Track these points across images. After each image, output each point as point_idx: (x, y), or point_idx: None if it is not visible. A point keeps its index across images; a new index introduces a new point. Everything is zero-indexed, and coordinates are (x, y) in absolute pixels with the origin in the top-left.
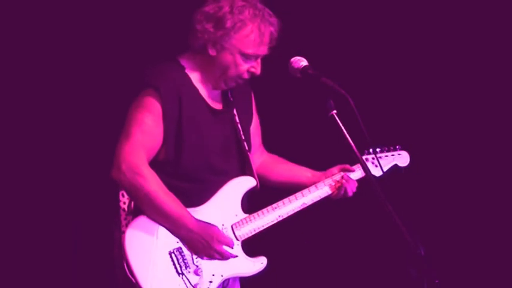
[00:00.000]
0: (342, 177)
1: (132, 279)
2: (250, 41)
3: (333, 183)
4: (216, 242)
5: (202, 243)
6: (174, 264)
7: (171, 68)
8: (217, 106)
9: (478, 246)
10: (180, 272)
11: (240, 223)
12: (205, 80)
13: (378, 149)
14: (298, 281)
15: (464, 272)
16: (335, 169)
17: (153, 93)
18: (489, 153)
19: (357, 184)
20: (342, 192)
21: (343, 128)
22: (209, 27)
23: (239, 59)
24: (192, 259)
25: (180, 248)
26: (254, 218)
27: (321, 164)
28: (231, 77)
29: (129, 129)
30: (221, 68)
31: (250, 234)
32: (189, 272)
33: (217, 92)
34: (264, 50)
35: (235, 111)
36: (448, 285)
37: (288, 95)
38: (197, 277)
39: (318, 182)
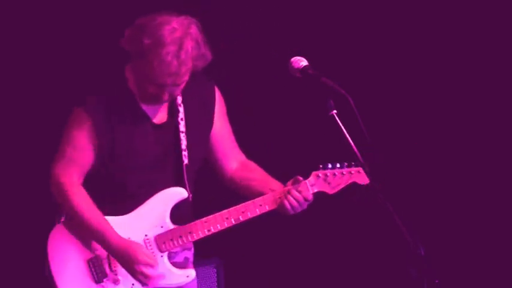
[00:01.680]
0: (288, 191)
1: (51, 281)
2: (149, 68)
3: (275, 199)
4: (136, 263)
5: (124, 262)
6: (91, 272)
7: (111, 82)
8: (161, 119)
9: (478, 246)
10: (97, 280)
11: (165, 235)
12: (141, 94)
13: (333, 165)
14: (298, 281)
15: (464, 272)
16: (289, 182)
17: (82, 110)
18: (489, 153)
19: (300, 199)
20: (284, 208)
21: (343, 128)
22: (129, 33)
23: (144, 82)
24: (111, 268)
25: (99, 256)
26: (181, 231)
27: (320, 164)
28: (147, 98)
29: (62, 147)
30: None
31: (175, 247)
32: (108, 280)
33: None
34: (163, 81)
35: (181, 119)
36: (448, 285)
37: (288, 95)
38: (115, 286)
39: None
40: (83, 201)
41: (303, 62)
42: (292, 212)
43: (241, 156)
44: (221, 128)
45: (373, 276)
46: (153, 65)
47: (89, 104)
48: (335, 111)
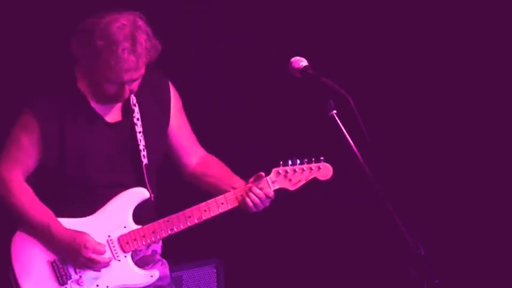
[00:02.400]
0: (249, 189)
1: (15, 285)
2: (105, 67)
3: (236, 197)
4: (84, 249)
5: (71, 252)
6: (55, 274)
7: (59, 86)
8: (114, 118)
9: (478, 246)
10: (61, 282)
11: (128, 235)
12: (93, 95)
13: (293, 161)
14: (298, 281)
15: (464, 272)
16: (251, 179)
17: (30, 112)
18: (489, 153)
19: (262, 196)
20: (245, 205)
21: (343, 128)
22: (74, 42)
23: (103, 83)
24: (74, 269)
25: (63, 258)
26: (144, 231)
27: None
28: (105, 98)
29: (7, 146)
30: (94, 87)
31: (139, 247)
32: (71, 282)
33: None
34: (122, 77)
35: (137, 119)
36: (448, 285)
37: (288, 95)
38: (80, 287)
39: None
40: (26, 197)
41: (303, 62)
42: (254, 210)
43: (202, 151)
44: (178, 124)
45: (373, 276)
46: (110, 64)
47: (38, 106)
48: (335, 111)
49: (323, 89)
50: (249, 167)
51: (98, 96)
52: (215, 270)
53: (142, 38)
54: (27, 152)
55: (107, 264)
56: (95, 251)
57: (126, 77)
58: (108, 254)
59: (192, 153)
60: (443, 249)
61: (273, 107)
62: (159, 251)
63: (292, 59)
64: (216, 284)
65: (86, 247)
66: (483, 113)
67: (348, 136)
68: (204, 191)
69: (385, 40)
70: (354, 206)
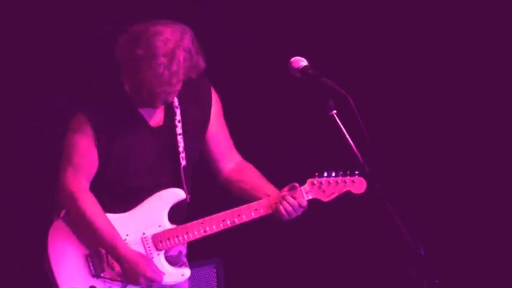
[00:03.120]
0: (283, 197)
1: (49, 273)
2: (144, 77)
3: (270, 204)
4: (142, 277)
5: (129, 272)
6: (89, 266)
7: (109, 89)
8: (157, 121)
9: (478, 246)
10: (94, 274)
11: (162, 234)
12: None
13: (328, 173)
14: (298, 281)
15: (464, 272)
16: (285, 189)
17: (81, 117)
18: (489, 153)
19: (295, 205)
20: (279, 213)
21: (343, 128)
22: (119, 58)
23: (142, 90)
24: (108, 263)
25: (98, 251)
26: (178, 231)
27: (320, 164)
28: (145, 103)
29: (67, 154)
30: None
31: (172, 246)
32: (104, 275)
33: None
34: (159, 90)
35: (178, 121)
36: (448, 285)
37: (288, 95)
38: (112, 281)
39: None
40: (93, 209)
41: (303, 62)
42: (287, 218)
43: (238, 157)
44: (217, 129)
45: (374, 276)
46: (146, 74)
47: (89, 109)
48: (335, 111)
49: (323, 89)
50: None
51: (137, 99)
52: (215, 270)
53: (181, 56)
54: (88, 157)
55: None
56: (152, 281)
57: (159, 90)
58: (156, 259)
59: (228, 159)
60: (443, 249)
61: (273, 107)
62: (185, 251)
63: (292, 59)
64: (216, 284)
65: (145, 276)
66: (483, 113)
67: (348, 136)
68: (236, 197)
69: (385, 40)
70: (354, 206)
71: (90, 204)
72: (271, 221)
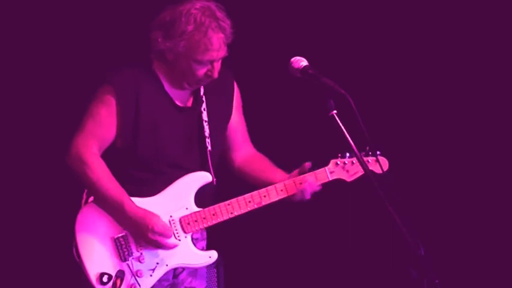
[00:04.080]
0: (302, 178)
1: (78, 259)
2: (198, 48)
3: (296, 184)
4: (151, 231)
5: (139, 231)
6: (117, 250)
7: (136, 66)
8: (184, 103)
9: (478, 246)
10: (123, 258)
11: (189, 217)
12: (170, 79)
13: (351, 153)
14: (298, 281)
15: (464, 272)
16: (297, 171)
17: (108, 88)
18: (489, 153)
19: (316, 185)
20: (300, 194)
21: (343, 128)
22: (159, 36)
23: (193, 65)
24: (136, 247)
25: (125, 235)
26: (205, 213)
27: (320, 163)
28: (190, 81)
29: (83, 121)
30: (179, 72)
31: (199, 228)
32: (132, 258)
33: (187, 90)
34: (214, 55)
35: (204, 109)
36: (448, 285)
37: (288, 95)
38: (140, 264)
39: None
40: (100, 171)
41: (303, 62)
42: (308, 197)
43: (252, 149)
44: (237, 120)
45: (374, 276)
46: (200, 45)
47: (116, 82)
48: (335, 111)
49: (323, 89)
50: None
51: (178, 82)
52: (215, 270)
53: (220, 15)
54: (104, 126)
55: (170, 248)
56: (161, 235)
57: (214, 55)
58: (172, 239)
59: (244, 149)
60: (443, 249)
61: (273, 107)
62: (205, 235)
63: (292, 59)
64: (216, 284)
65: (153, 230)
66: (483, 113)
67: (348, 136)
68: (250, 183)
69: (385, 40)
70: (354, 206)
71: (98, 167)
72: (271, 221)
